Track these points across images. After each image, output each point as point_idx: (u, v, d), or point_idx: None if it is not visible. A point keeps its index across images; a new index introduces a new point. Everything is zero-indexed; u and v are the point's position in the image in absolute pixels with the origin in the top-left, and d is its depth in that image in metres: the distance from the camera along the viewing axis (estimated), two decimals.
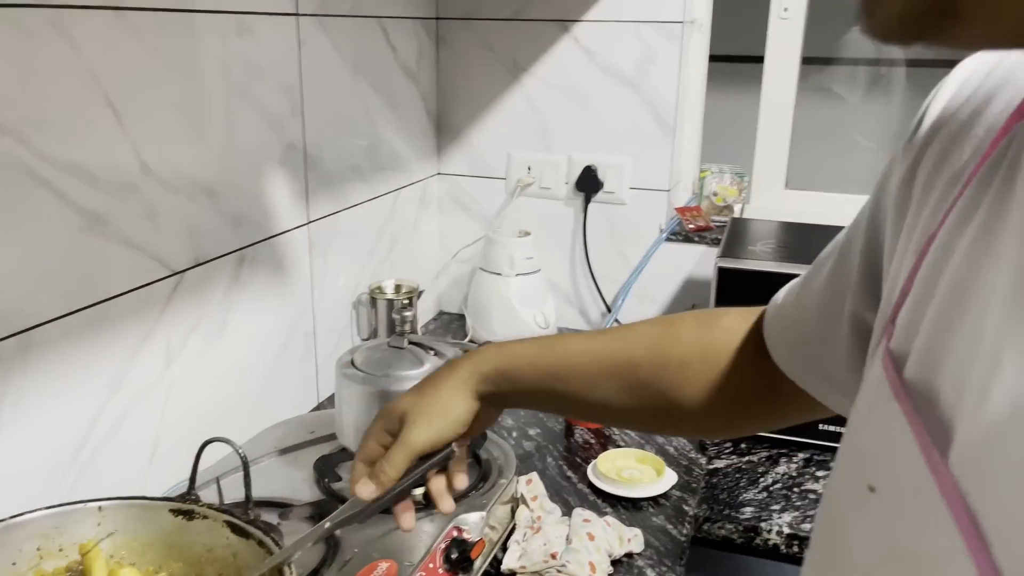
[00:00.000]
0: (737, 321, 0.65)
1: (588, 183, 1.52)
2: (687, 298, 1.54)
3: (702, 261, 1.51)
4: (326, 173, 1.24)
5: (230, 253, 1.04)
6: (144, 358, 0.93)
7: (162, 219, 0.92)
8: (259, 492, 0.85)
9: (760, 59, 1.58)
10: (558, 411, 0.69)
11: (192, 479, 0.76)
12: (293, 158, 1.15)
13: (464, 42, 1.53)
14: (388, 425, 0.66)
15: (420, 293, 1.35)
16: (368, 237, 1.39)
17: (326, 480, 0.92)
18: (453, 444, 0.67)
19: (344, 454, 0.97)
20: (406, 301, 1.30)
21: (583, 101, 1.49)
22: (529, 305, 1.46)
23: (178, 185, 0.94)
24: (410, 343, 0.93)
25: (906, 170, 0.45)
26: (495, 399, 0.67)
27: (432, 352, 0.92)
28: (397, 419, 0.65)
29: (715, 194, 1.57)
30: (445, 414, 0.65)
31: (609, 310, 1.56)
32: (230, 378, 1.07)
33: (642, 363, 0.65)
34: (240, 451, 0.74)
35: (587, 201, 1.53)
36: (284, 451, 1.01)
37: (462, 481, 0.68)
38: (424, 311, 1.61)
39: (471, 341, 1.49)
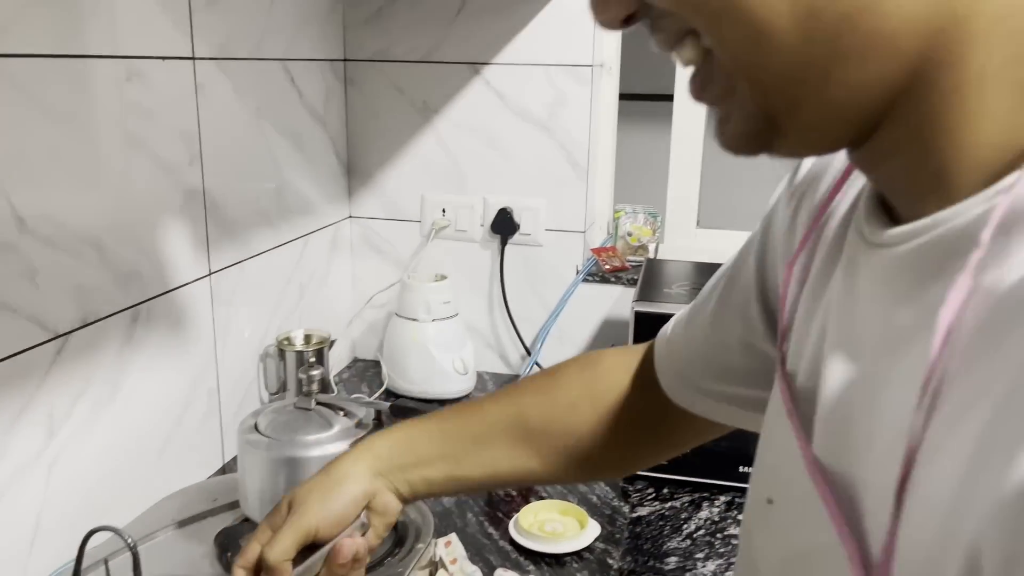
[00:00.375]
0: (618, 359, 0.68)
1: (504, 225, 1.50)
2: (606, 339, 1.53)
3: (619, 301, 1.51)
4: (229, 221, 1.18)
5: (122, 311, 0.97)
6: (23, 431, 0.85)
7: (42, 278, 0.85)
8: (155, 572, 0.79)
9: (669, 97, 1.60)
10: (462, 481, 0.65)
11: (76, 572, 0.68)
12: (192, 207, 1.09)
13: (374, 84, 1.50)
14: (274, 521, 0.60)
15: (331, 343, 1.29)
16: (276, 285, 1.33)
17: (229, 555, 0.86)
18: (363, 513, 0.62)
19: (248, 525, 0.91)
20: (313, 358, 1.24)
21: (496, 143, 1.48)
22: (447, 351, 1.42)
23: (61, 241, 0.87)
24: (318, 404, 0.88)
25: (791, 211, 0.51)
26: (394, 481, 0.62)
27: (341, 413, 0.87)
28: (284, 510, 0.60)
29: (630, 234, 1.57)
30: (337, 493, 0.59)
31: (529, 353, 1.53)
32: (123, 445, 1.00)
33: (532, 413, 0.66)
34: (128, 539, 0.67)
35: (503, 243, 1.51)
36: (183, 523, 0.94)
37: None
38: (338, 359, 1.55)
39: (387, 390, 1.44)
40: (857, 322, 0.39)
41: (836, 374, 0.39)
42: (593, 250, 1.55)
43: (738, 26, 0.33)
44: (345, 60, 1.50)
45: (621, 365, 0.67)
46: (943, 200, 0.33)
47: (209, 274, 1.14)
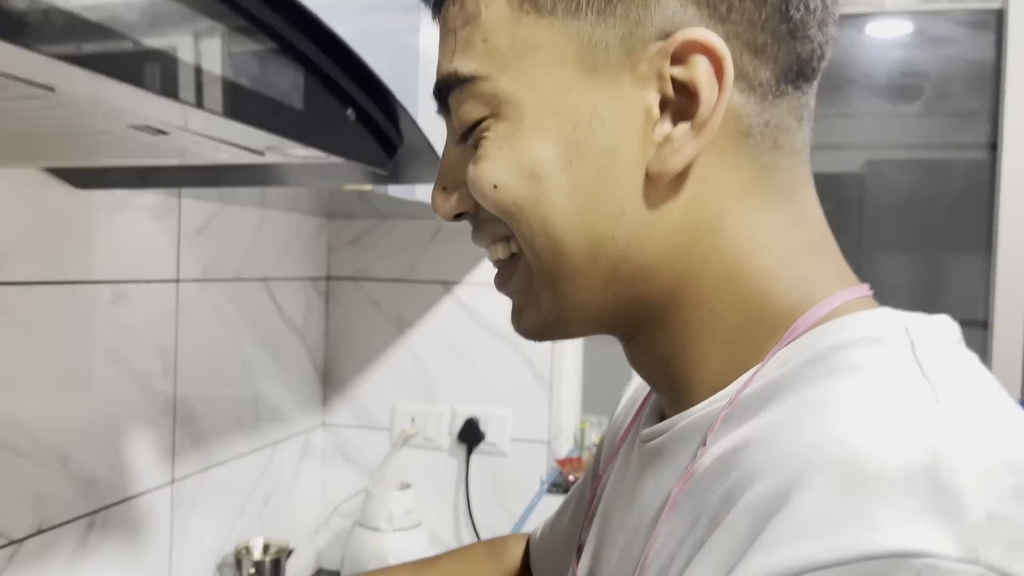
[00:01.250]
0: (521, 546, 0.78)
1: (470, 434, 1.54)
2: None
3: None
4: (198, 429, 1.23)
5: (78, 519, 1.00)
6: None
7: (3, 485, 0.89)
8: None
9: None
10: None
11: None
12: (161, 417, 1.15)
13: (353, 299, 1.61)
14: None
15: (289, 553, 1.30)
16: (241, 492, 1.36)
17: None
18: None
19: None
20: (252, 570, 1.23)
21: (465, 356, 1.56)
22: None
23: (26, 450, 0.92)
24: None
25: (620, 423, 0.64)
26: None
27: None
28: None
29: (595, 445, 1.61)
30: None
31: None
32: None
33: None
34: None
35: (469, 452, 1.54)
36: None
37: None
38: (301, 569, 1.54)
39: None
40: (616, 508, 0.49)
41: (600, 551, 0.50)
42: (558, 461, 1.58)
43: (545, 240, 0.44)
44: (328, 278, 1.62)
45: (520, 554, 0.77)
46: (684, 403, 0.45)
47: (172, 481, 1.18)
